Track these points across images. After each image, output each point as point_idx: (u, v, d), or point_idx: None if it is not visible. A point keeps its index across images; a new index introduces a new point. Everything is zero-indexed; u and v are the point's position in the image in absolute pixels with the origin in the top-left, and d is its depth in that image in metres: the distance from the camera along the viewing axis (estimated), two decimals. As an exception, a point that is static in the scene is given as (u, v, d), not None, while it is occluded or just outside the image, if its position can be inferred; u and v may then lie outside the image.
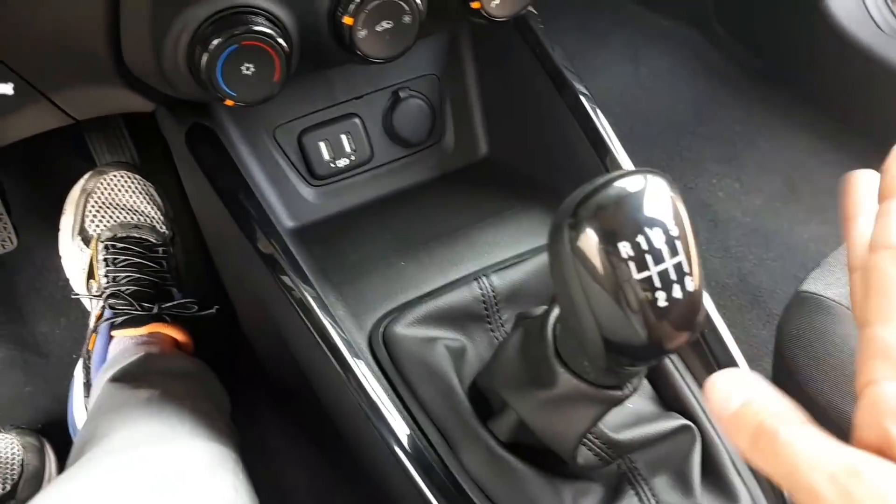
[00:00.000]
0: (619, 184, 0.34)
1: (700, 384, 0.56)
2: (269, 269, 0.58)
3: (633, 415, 0.51)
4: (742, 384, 0.28)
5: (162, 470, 0.57)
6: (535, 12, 0.66)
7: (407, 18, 0.54)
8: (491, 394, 0.51)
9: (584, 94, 0.63)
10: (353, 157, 0.70)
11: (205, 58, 0.50)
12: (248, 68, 0.51)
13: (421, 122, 0.72)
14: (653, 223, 0.34)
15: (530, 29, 0.66)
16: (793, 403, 0.28)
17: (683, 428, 0.51)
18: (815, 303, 0.64)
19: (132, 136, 1.01)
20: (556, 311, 0.44)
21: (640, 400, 0.55)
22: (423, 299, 0.57)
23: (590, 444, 0.48)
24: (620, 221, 0.34)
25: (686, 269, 0.35)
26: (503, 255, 0.60)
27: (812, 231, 1.16)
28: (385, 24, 0.54)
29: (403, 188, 0.72)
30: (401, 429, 0.51)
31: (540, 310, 0.54)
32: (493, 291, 0.57)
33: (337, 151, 0.70)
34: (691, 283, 0.35)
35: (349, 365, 0.53)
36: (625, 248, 0.34)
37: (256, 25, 0.50)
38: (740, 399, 0.27)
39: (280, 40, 0.51)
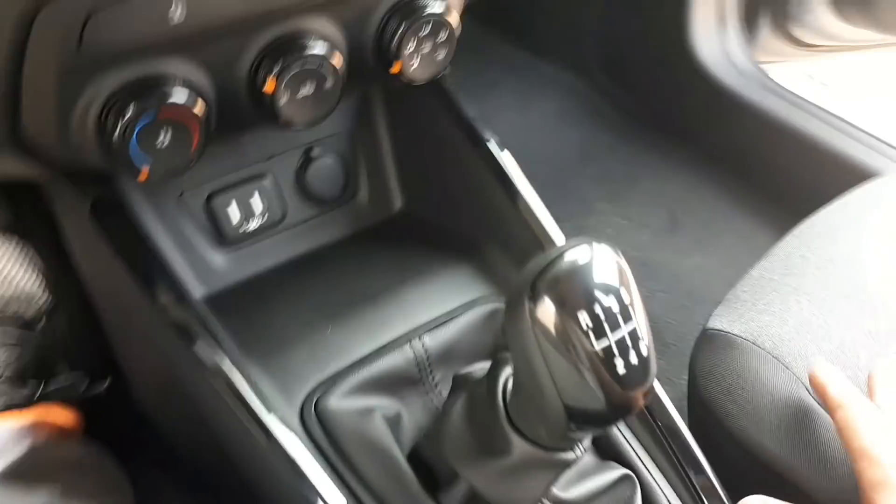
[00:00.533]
0: (569, 256, 0.35)
1: (632, 430, 0.57)
2: (184, 342, 0.54)
3: (574, 469, 0.52)
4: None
5: None
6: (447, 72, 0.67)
7: (329, 83, 0.53)
8: (437, 463, 0.50)
9: (497, 148, 0.65)
10: (264, 218, 0.68)
11: (117, 131, 0.47)
12: (163, 140, 0.49)
13: (334, 178, 0.70)
14: (607, 291, 0.35)
15: (443, 89, 0.66)
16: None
17: (624, 477, 0.52)
18: (723, 339, 0.67)
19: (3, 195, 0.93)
20: (503, 375, 0.44)
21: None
22: (355, 367, 0.56)
23: None
24: (578, 292, 0.35)
25: (640, 334, 0.36)
26: (432, 313, 0.60)
27: (696, 262, 1.24)
28: (306, 90, 0.53)
29: (319, 247, 0.70)
30: None
31: (477, 369, 0.53)
32: (426, 353, 0.57)
33: (247, 213, 0.67)
34: (645, 348, 0.36)
35: (281, 445, 0.51)
36: (584, 318, 0.34)
37: (173, 95, 0.48)
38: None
39: (198, 109, 0.49)
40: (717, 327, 0.69)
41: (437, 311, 0.60)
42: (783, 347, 0.63)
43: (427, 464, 0.51)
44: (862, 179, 0.84)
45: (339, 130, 0.71)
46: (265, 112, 0.53)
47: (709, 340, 0.69)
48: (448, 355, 0.58)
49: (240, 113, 0.54)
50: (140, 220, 0.58)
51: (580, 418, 0.37)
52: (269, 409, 0.52)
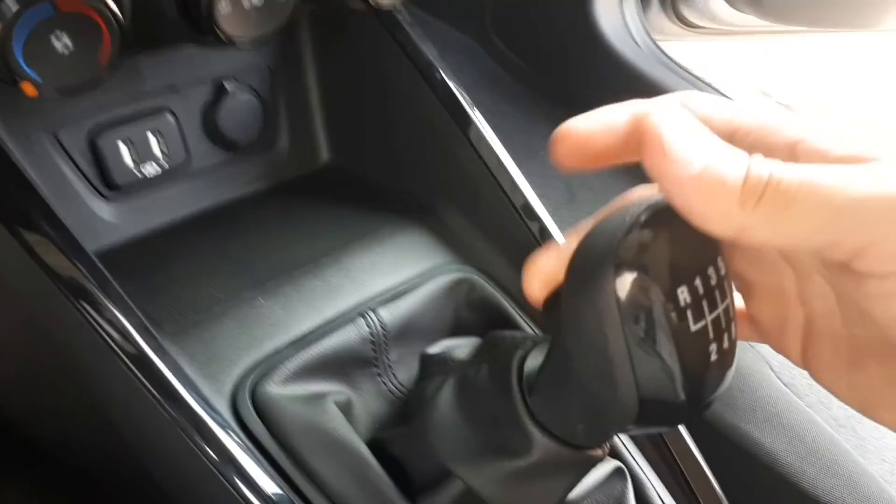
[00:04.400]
0: (661, 215, 0.28)
1: None
2: (77, 306, 0.41)
3: None
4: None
5: None
6: (401, 8, 0.58)
7: (282, -8, 0.42)
8: (418, 462, 0.41)
9: (460, 93, 0.56)
10: (163, 163, 0.55)
11: (-4, 21, 0.34)
12: (63, 43, 0.36)
13: (250, 120, 0.59)
14: (709, 259, 0.28)
15: (397, 21, 0.57)
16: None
17: (616, 471, 0.46)
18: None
19: None
20: (516, 360, 0.36)
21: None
22: (298, 345, 0.46)
23: None
24: (677, 261, 0.27)
25: (732, 312, 0.30)
26: (385, 283, 0.51)
27: (594, 236, 1.22)
28: (255, 0, 0.41)
29: (232, 200, 0.59)
30: None
31: (450, 348, 0.46)
32: (382, 328, 0.48)
33: (142, 155, 0.54)
34: (734, 329, 0.30)
35: (218, 439, 0.40)
36: (683, 295, 0.27)
37: (76, -21, 0.35)
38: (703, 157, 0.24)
39: (111, 4, 0.37)
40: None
41: (392, 279, 0.51)
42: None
43: (397, 461, 0.42)
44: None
45: (258, 63, 0.59)
46: (198, 21, 0.41)
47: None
48: (406, 332, 0.49)
49: (162, 20, 0.41)
50: (11, 153, 0.44)
51: (652, 416, 0.30)
52: (197, 393, 0.41)
